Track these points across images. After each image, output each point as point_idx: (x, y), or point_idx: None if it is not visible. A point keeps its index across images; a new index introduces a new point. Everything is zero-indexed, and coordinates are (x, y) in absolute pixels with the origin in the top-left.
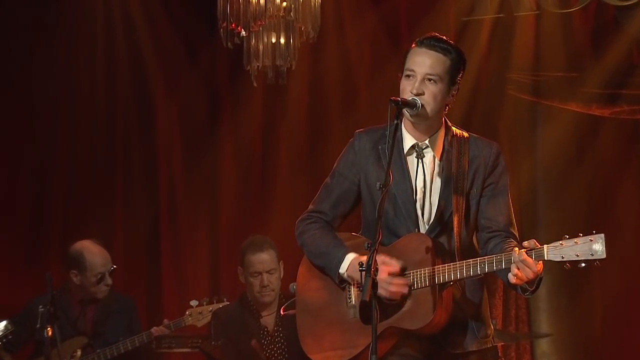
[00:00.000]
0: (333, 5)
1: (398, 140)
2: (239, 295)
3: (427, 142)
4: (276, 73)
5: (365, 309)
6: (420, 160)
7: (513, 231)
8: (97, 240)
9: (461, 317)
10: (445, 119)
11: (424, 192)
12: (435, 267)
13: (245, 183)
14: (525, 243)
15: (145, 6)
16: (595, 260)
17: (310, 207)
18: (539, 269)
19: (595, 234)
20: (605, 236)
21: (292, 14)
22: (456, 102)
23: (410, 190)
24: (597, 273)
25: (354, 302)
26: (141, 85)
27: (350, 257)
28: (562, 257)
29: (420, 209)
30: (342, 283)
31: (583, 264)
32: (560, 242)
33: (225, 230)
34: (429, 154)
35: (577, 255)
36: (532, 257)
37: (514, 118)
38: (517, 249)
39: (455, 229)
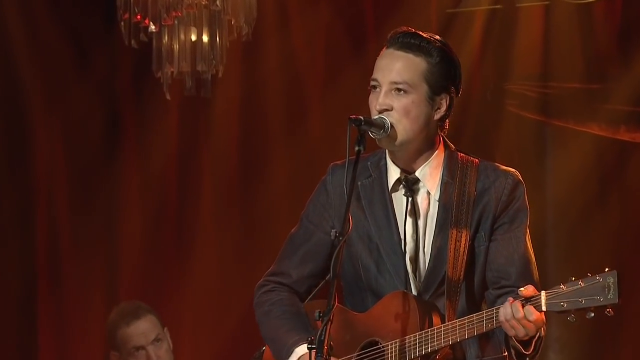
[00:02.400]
0: None
1: (381, 172)
2: None
3: (417, 173)
4: (197, 81)
5: None
6: (410, 199)
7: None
8: None
9: None
10: (444, 140)
11: (416, 240)
12: (416, 335)
13: (155, 229)
14: (521, 290)
15: None
16: (605, 306)
17: (272, 266)
18: (535, 319)
19: (608, 271)
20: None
21: (218, 2)
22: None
23: (397, 238)
24: (629, 348)
25: None
26: (12, 98)
27: (301, 351)
28: (564, 305)
29: (411, 262)
30: None
31: (592, 314)
32: (562, 285)
33: (128, 294)
34: (421, 190)
35: (582, 302)
36: (527, 308)
37: (515, 143)
38: (510, 298)
39: (450, 292)
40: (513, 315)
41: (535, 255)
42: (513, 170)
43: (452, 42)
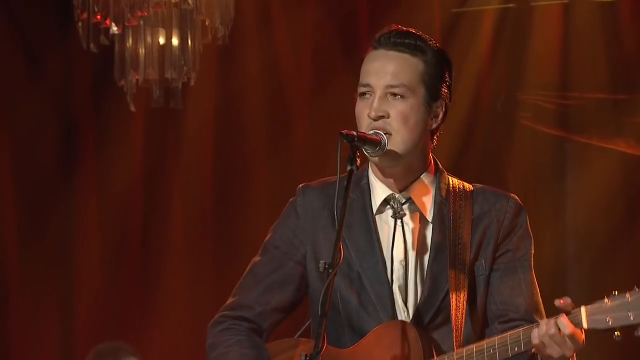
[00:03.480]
0: None
1: (362, 191)
2: None
3: (407, 192)
4: (166, 91)
5: None
6: (398, 221)
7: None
8: None
9: None
10: (433, 157)
11: (405, 268)
12: None
13: (118, 259)
14: (556, 302)
15: None
16: None
17: (229, 299)
18: (570, 332)
19: None
20: None
21: (190, 0)
22: (439, 137)
23: (382, 265)
24: None
25: None
26: None
27: None
28: (610, 322)
29: (400, 292)
30: None
31: None
32: (606, 299)
33: (85, 333)
34: (412, 211)
35: (632, 317)
36: (561, 321)
37: (530, 162)
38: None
39: (453, 321)
40: (546, 332)
41: (551, 290)
42: (513, 194)
43: (458, 45)
